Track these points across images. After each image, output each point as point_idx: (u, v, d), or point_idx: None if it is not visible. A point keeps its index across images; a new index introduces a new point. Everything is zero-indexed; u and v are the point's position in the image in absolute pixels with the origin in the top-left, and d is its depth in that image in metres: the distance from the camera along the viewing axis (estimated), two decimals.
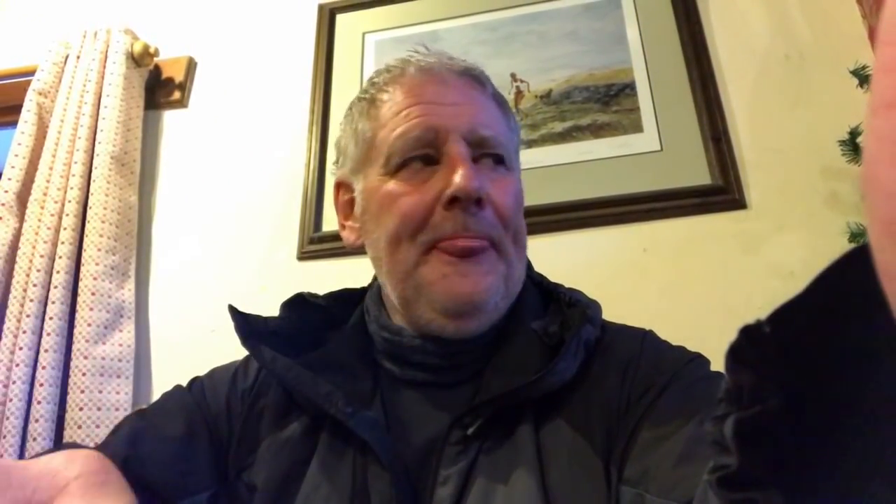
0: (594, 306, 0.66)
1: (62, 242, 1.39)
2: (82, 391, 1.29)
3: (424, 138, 0.63)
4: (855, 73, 1.15)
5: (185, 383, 0.72)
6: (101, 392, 1.31)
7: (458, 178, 0.59)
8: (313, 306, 0.73)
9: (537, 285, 0.72)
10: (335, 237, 1.41)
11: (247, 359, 0.72)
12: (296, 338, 0.68)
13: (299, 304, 0.72)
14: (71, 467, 0.42)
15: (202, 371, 0.74)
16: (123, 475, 0.56)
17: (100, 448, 0.61)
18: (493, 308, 0.62)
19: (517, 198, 0.66)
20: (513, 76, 1.50)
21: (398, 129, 0.64)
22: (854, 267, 0.21)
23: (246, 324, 0.66)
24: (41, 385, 1.28)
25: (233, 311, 0.66)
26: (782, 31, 1.40)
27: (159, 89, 1.69)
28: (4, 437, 1.23)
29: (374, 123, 0.67)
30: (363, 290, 0.76)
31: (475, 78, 0.68)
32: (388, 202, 0.63)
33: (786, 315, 0.23)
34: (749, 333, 0.24)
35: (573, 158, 1.38)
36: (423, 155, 0.63)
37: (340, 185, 0.72)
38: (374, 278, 0.75)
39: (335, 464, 0.60)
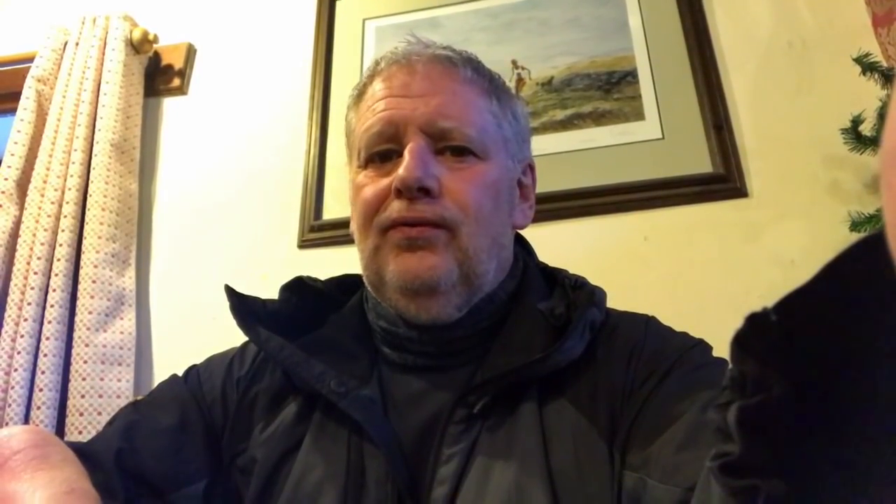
0: (599, 291, 0.66)
1: (62, 230, 1.39)
2: (84, 378, 1.29)
3: (386, 133, 0.64)
4: (858, 60, 1.15)
5: (182, 372, 0.72)
6: (102, 379, 1.31)
7: (401, 169, 0.61)
8: (313, 290, 0.73)
9: (541, 271, 0.72)
10: (335, 225, 1.41)
11: (243, 346, 0.72)
12: (294, 320, 0.68)
13: (298, 288, 0.72)
14: (9, 443, 0.42)
15: (203, 359, 0.74)
16: (117, 467, 0.57)
17: (94, 440, 0.61)
18: (449, 289, 0.61)
19: (484, 186, 0.64)
20: (514, 63, 1.49)
21: (366, 123, 0.66)
22: (863, 256, 0.21)
23: (242, 304, 0.66)
24: (43, 372, 1.28)
25: (229, 291, 0.67)
26: (785, 18, 1.39)
27: (159, 76, 1.68)
28: (6, 423, 1.24)
29: (355, 116, 0.70)
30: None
31: (448, 62, 0.67)
32: (356, 193, 0.66)
33: (793, 303, 0.23)
34: (755, 321, 0.24)
35: (574, 146, 1.38)
36: (386, 150, 0.64)
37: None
38: None
39: (328, 445, 0.60)
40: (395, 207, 0.61)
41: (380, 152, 0.65)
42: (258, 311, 0.67)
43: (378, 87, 0.66)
